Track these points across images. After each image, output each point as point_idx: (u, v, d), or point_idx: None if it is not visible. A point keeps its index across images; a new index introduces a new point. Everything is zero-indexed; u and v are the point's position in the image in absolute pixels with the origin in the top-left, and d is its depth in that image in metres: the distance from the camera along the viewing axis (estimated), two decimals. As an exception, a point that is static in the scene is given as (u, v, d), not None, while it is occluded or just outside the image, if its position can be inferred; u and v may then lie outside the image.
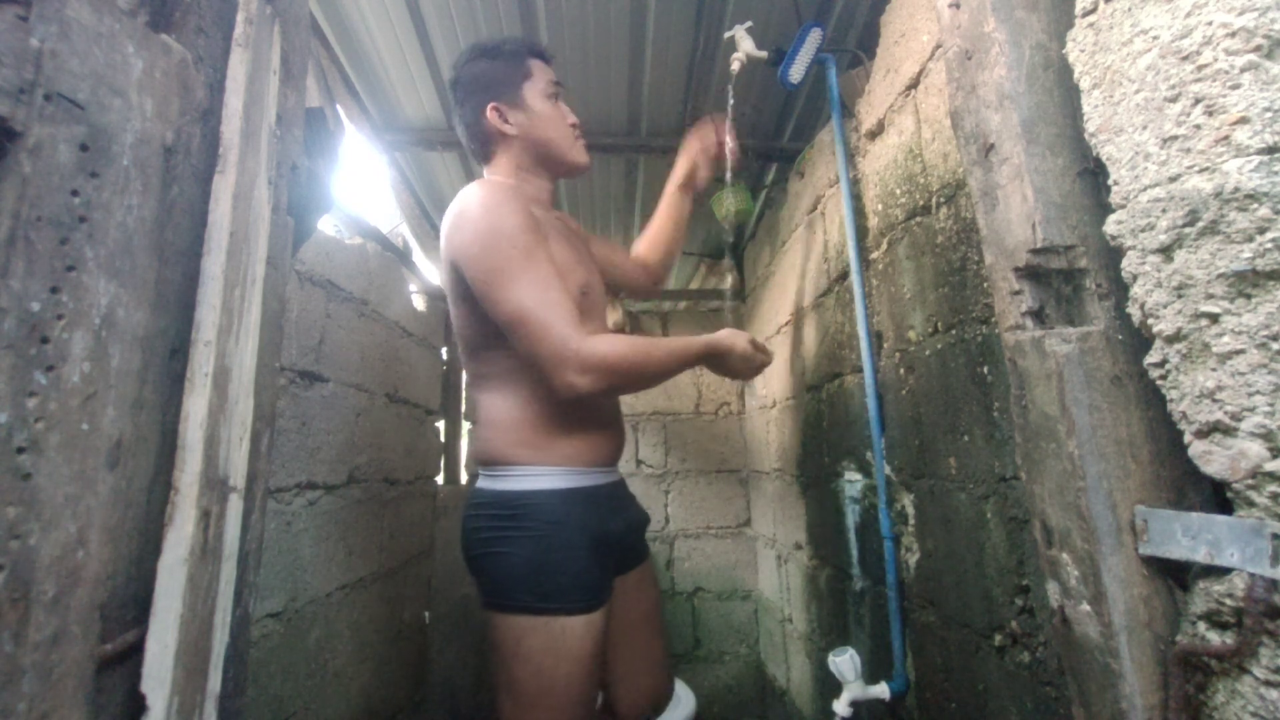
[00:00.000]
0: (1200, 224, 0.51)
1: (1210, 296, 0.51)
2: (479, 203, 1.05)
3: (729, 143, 1.50)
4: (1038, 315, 0.68)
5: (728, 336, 1.18)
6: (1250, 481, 0.49)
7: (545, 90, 1.21)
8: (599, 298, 1.25)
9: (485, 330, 1.11)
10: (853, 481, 1.51)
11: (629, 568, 1.26)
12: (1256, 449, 0.48)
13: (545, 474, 1.10)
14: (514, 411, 1.12)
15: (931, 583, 1.16)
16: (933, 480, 1.14)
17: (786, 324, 2.06)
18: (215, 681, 0.55)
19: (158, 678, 0.48)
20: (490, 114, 1.19)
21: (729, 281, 3.02)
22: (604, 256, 1.41)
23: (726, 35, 1.48)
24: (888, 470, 1.31)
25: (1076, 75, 0.65)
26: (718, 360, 1.19)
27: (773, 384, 2.27)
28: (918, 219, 1.17)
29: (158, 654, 0.49)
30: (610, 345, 1.00)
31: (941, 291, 1.09)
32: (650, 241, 1.52)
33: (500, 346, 1.11)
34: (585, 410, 1.14)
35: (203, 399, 0.54)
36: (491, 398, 1.15)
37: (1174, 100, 0.53)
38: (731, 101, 1.50)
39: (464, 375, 2.48)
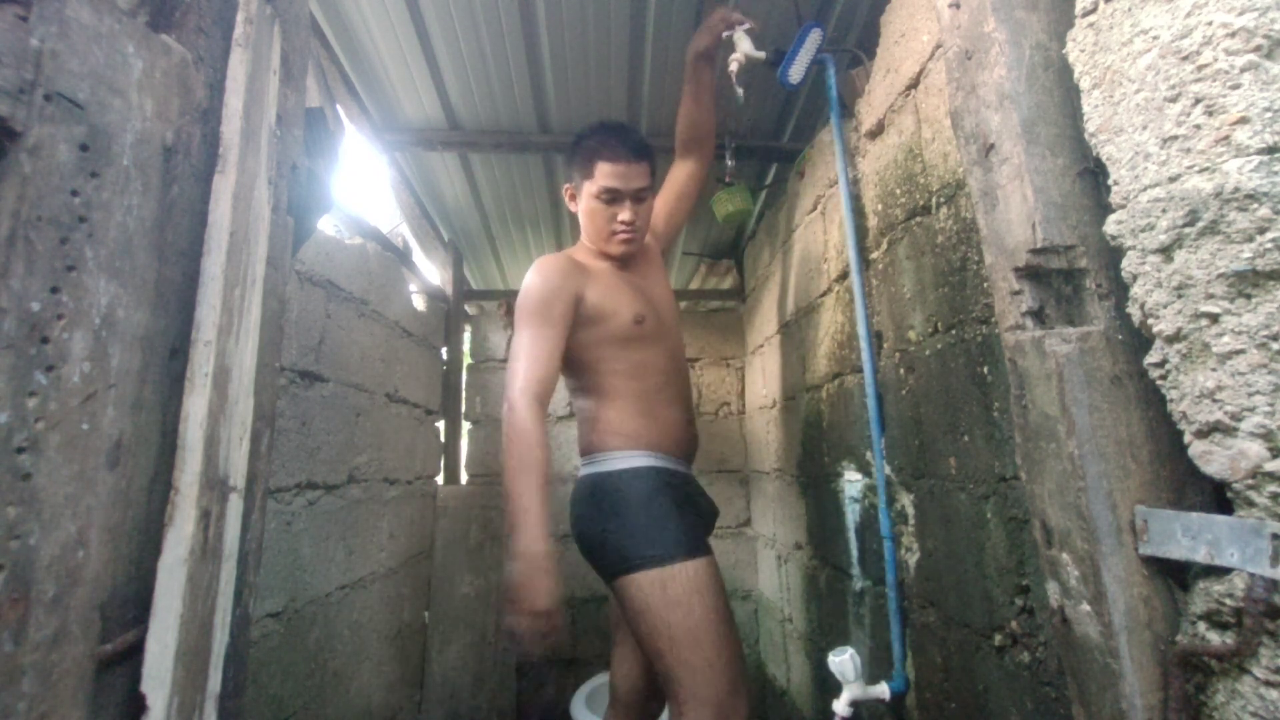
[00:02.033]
0: (1200, 224, 0.51)
1: (1210, 296, 0.51)
2: (529, 273, 1.40)
3: (743, 26, 1.47)
4: (1038, 315, 0.68)
5: (527, 578, 1.09)
6: (1250, 481, 0.49)
7: (597, 193, 1.43)
8: (659, 320, 1.46)
9: (574, 355, 1.41)
10: (853, 481, 1.51)
11: None
12: (1256, 449, 0.48)
13: (637, 455, 1.35)
14: (606, 411, 1.40)
15: (931, 583, 1.16)
16: (933, 480, 1.14)
17: (786, 324, 2.06)
18: (215, 681, 0.55)
19: (158, 678, 0.48)
20: (565, 192, 1.55)
21: (729, 281, 3.02)
22: (669, 199, 1.68)
23: (725, 35, 1.47)
24: (888, 470, 1.31)
25: (1076, 75, 0.65)
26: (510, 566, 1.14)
27: (773, 384, 2.27)
28: (918, 219, 1.17)
29: (158, 654, 0.49)
30: (515, 418, 1.22)
31: (941, 291, 1.09)
32: (681, 125, 1.66)
33: (588, 364, 1.41)
34: (658, 411, 1.40)
35: (203, 399, 0.54)
36: (587, 403, 1.44)
37: (1174, 100, 0.53)
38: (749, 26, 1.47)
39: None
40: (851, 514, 1.53)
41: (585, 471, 1.39)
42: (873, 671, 1.37)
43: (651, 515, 1.27)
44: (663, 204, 1.68)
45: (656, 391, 1.41)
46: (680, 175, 1.69)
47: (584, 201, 1.47)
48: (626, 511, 1.28)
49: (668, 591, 1.19)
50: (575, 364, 1.44)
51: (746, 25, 1.45)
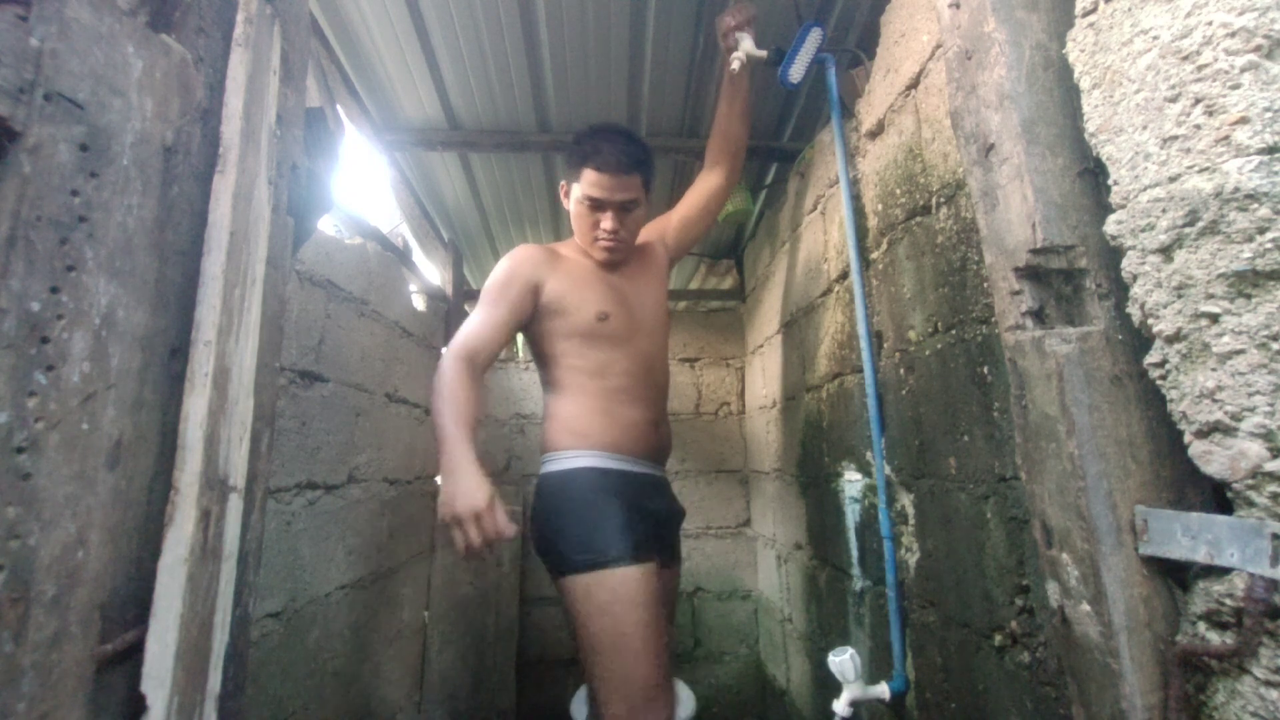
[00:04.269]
0: (1200, 224, 0.51)
1: (1210, 296, 0.51)
2: (505, 258, 1.45)
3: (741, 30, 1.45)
4: (1038, 315, 0.68)
5: (456, 484, 1.14)
6: (1250, 481, 0.49)
7: (582, 199, 1.44)
8: (631, 320, 1.46)
9: (539, 348, 1.45)
10: (853, 481, 1.51)
11: (664, 564, 1.40)
12: (1256, 449, 0.48)
13: (587, 455, 1.34)
14: (564, 408, 1.40)
15: (931, 583, 1.16)
16: (933, 480, 1.14)
17: (786, 324, 2.06)
18: (215, 681, 0.55)
19: (158, 678, 0.48)
20: (561, 188, 1.55)
21: (729, 281, 3.02)
22: (690, 210, 1.68)
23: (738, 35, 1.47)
24: (888, 470, 1.31)
25: (1076, 75, 0.65)
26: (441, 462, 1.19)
27: (773, 384, 2.27)
28: (918, 219, 1.17)
29: (158, 654, 0.49)
30: (439, 372, 1.27)
31: (941, 291, 1.09)
32: (715, 139, 1.67)
33: (551, 358, 1.42)
34: (618, 410, 1.39)
35: (203, 399, 0.54)
36: (550, 398, 1.45)
37: (1174, 100, 0.53)
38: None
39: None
40: (851, 514, 1.53)
41: (541, 471, 1.41)
42: (873, 671, 1.37)
43: (589, 518, 1.26)
44: (682, 213, 1.67)
45: (619, 391, 1.40)
46: (706, 188, 1.67)
47: (572, 203, 1.48)
48: (566, 513, 1.29)
49: (592, 597, 1.20)
50: (540, 356, 1.47)
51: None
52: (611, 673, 1.16)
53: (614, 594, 1.19)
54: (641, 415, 1.42)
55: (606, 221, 1.43)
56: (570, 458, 1.35)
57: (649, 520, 1.34)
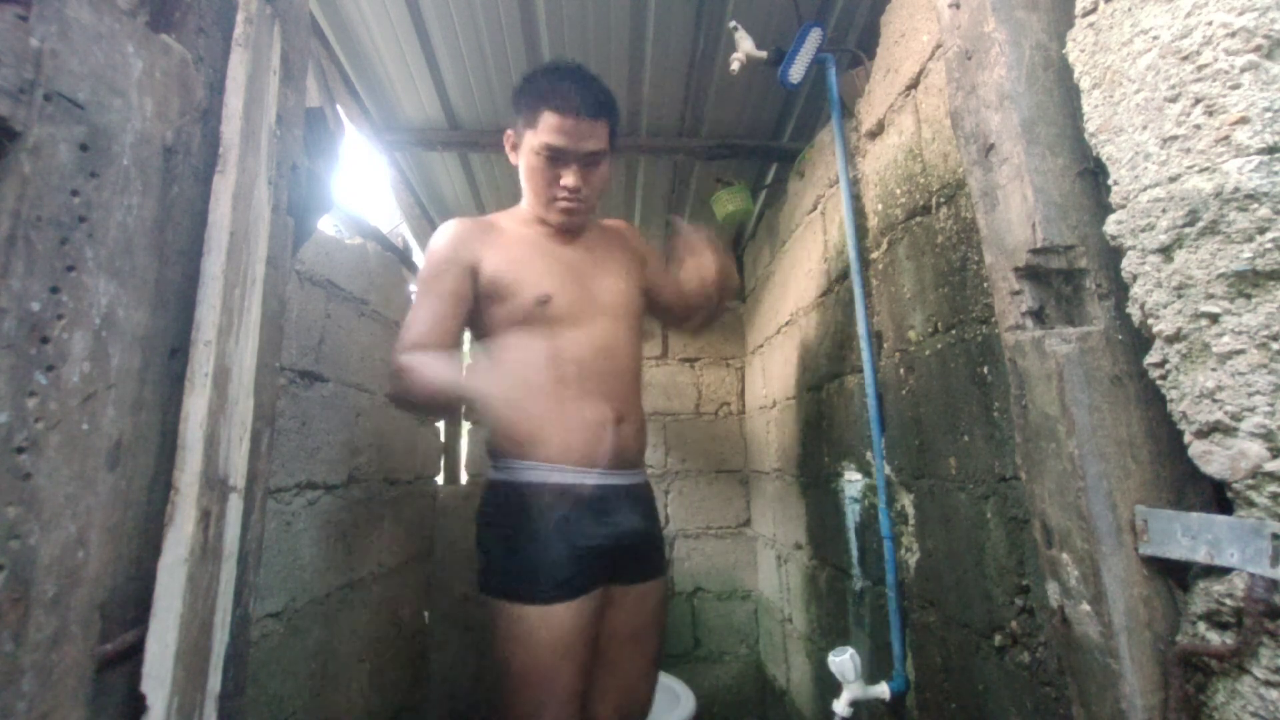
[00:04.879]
0: (1200, 224, 0.51)
1: (1210, 296, 0.51)
2: (432, 238, 1.29)
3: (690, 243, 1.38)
4: (1038, 315, 0.68)
5: (480, 384, 1.07)
6: (1250, 481, 0.49)
7: (539, 149, 1.22)
8: (584, 302, 1.27)
9: (488, 338, 1.28)
10: (853, 481, 1.51)
11: (633, 579, 1.29)
12: (1256, 449, 0.48)
13: (525, 468, 1.20)
14: None
15: (931, 583, 1.16)
16: (933, 480, 1.14)
17: (786, 324, 2.06)
18: (215, 681, 0.55)
19: (158, 678, 0.48)
20: (506, 137, 1.32)
21: (729, 281, 3.02)
22: (672, 286, 1.44)
23: (731, 24, 1.48)
24: (888, 470, 1.31)
25: (1076, 75, 0.65)
26: (475, 408, 1.10)
27: (773, 384, 2.27)
28: (918, 219, 1.17)
29: (158, 654, 0.49)
30: (406, 359, 1.13)
31: (941, 291, 1.09)
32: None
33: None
34: (565, 411, 1.21)
35: (203, 399, 0.54)
36: None
37: (1174, 100, 0.53)
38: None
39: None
40: (851, 514, 1.53)
41: (488, 476, 1.29)
42: (873, 671, 1.37)
43: (507, 544, 1.18)
44: (665, 282, 1.45)
45: (568, 386, 1.21)
46: (683, 295, 1.43)
47: (524, 155, 1.25)
48: (491, 530, 1.22)
49: (495, 622, 1.17)
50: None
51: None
52: (500, 696, 1.16)
53: (505, 628, 1.14)
54: (597, 414, 1.22)
55: (568, 177, 1.21)
56: (508, 468, 1.21)
57: (595, 551, 1.19)
